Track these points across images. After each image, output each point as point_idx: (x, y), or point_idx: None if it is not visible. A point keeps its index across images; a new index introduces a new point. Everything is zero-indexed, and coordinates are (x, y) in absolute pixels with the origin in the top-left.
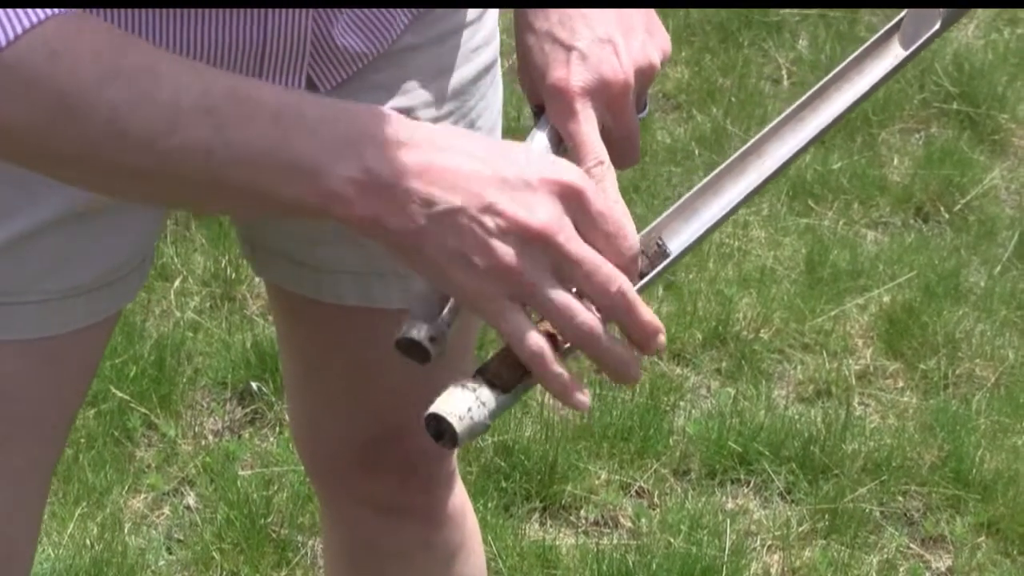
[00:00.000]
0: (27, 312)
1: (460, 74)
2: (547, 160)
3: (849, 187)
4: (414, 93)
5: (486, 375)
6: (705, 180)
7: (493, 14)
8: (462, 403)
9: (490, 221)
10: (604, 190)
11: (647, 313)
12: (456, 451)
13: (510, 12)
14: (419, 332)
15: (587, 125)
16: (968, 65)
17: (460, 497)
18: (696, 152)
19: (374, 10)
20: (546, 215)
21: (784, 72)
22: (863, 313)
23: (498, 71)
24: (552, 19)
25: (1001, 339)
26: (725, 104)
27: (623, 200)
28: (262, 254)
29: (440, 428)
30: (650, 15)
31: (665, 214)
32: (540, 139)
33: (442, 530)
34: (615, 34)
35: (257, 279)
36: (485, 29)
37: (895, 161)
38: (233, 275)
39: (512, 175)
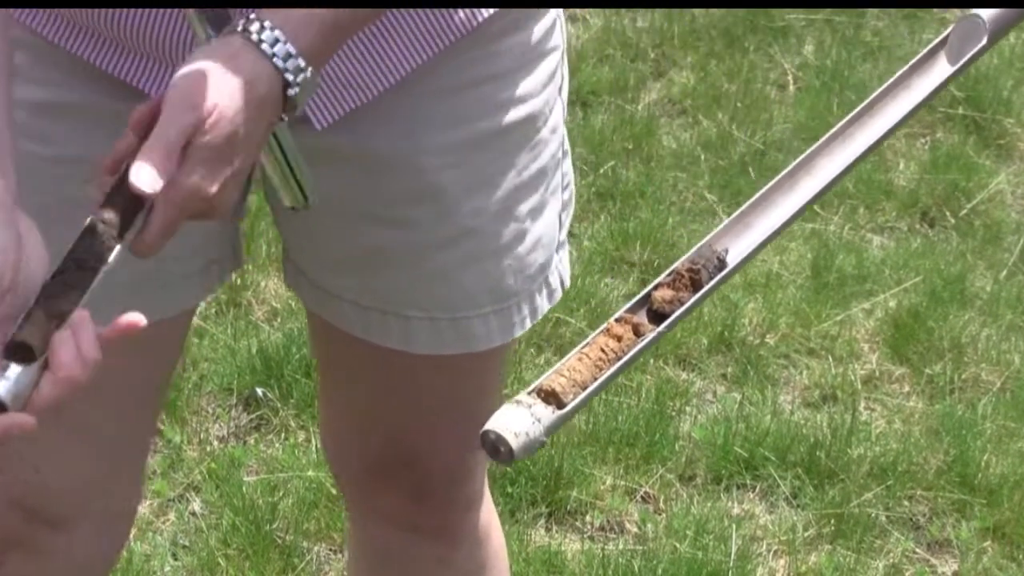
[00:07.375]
0: None
1: (480, 127)
2: None
3: (855, 192)
4: (425, 137)
5: (541, 392)
6: (758, 195)
7: (541, 75)
8: (517, 420)
9: None
10: None
11: None
12: (485, 473)
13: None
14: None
15: None
16: (974, 69)
17: (485, 517)
18: (702, 157)
19: (365, 33)
20: None
21: (790, 77)
22: (869, 318)
23: (545, 135)
24: None
25: (1007, 343)
26: (731, 109)
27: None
28: (291, 268)
29: (496, 444)
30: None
31: (720, 227)
32: None
33: (461, 549)
34: None
35: (263, 284)
36: (521, 87)
37: (901, 166)
38: (239, 281)
39: None
